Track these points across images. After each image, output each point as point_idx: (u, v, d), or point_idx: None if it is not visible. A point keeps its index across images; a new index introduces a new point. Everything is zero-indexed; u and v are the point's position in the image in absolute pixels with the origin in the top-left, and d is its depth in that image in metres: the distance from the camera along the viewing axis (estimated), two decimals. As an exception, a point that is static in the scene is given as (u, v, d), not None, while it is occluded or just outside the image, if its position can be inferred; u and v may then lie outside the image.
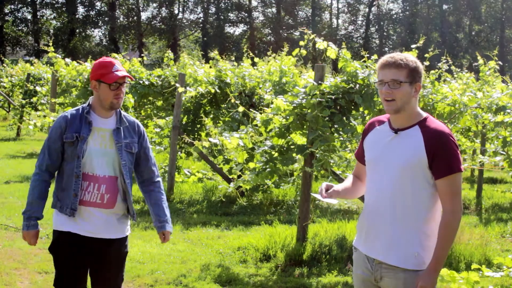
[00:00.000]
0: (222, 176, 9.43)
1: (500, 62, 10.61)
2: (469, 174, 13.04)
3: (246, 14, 48.23)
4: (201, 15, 49.00)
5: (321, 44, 6.41)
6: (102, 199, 3.56)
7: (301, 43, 6.78)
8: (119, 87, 3.60)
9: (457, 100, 7.35)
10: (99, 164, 3.57)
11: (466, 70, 11.62)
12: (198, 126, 9.88)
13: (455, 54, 42.43)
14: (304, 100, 6.26)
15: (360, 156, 3.28)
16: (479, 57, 10.91)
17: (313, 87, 6.26)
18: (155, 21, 47.95)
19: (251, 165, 7.00)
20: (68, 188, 3.55)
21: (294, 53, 7.20)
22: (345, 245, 6.50)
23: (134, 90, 10.60)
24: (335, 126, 6.39)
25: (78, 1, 44.81)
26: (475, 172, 12.37)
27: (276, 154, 6.72)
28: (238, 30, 51.45)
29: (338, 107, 6.36)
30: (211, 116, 10.00)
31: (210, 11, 48.36)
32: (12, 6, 43.60)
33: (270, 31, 48.78)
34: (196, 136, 9.90)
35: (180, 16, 48.52)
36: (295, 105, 6.32)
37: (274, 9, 48.86)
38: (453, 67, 9.48)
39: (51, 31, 45.09)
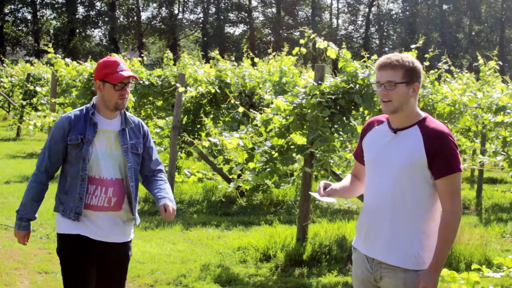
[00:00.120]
0: (222, 176, 9.43)
1: (500, 62, 10.61)
2: (469, 174, 13.04)
3: (246, 14, 48.23)
4: (201, 15, 49.02)
5: (321, 43, 6.41)
6: (109, 203, 3.48)
7: (301, 41, 6.78)
8: (124, 87, 3.52)
9: (457, 100, 7.35)
10: (106, 167, 3.48)
11: (466, 71, 11.61)
12: (198, 126, 9.87)
13: (455, 54, 42.42)
14: (304, 100, 6.26)
15: (359, 155, 3.28)
16: (479, 57, 10.91)
17: (313, 87, 6.26)
18: (155, 21, 47.96)
19: (251, 165, 7.00)
20: (72, 191, 3.46)
21: (294, 52, 7.19)
22: (345, 245, 6.50)
23: (134, 90, 10.60)
24: (335, 126, 6.39)
25: (78, 1, 44.80)
26: (475, 172, 12.37)
27: (276, 154, 6.72)
28: (238, 30, 51.51)
29: (338, 107, 6.36)
30: (211, 116, 10.00)
31: (210, 11, 48.37)
32: (12, 6, 43.59)
33: (270, 31, 48.78)
34: (196, 136, 9.90)
35: (180, 16, 48.55)
36: (295, 105, 6.32)
37: (274, 9, 48.87)
38: (452, 68, 9.48)
39: (51, 31, 45.08)
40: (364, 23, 49.84)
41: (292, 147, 6.70)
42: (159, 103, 11.22)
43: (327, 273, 6.05)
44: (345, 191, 3.32)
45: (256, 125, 7.08)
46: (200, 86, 9.67)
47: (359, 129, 6.52)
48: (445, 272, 3.18)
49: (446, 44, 40.34)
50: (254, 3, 48.77)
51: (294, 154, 6.61)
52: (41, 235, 6.99)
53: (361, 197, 6.29)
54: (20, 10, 44.17)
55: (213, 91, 9.49)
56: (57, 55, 12.05)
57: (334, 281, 5.84)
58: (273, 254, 6.43)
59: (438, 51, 7.65)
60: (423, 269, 2.95)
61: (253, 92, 9.67)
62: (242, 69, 10.15)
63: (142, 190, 8.40)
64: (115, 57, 3.67)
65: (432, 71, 7.67)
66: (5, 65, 22.70)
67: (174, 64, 12.16)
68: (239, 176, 8.06)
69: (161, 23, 47.59)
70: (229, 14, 48.14)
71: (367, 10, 49.59)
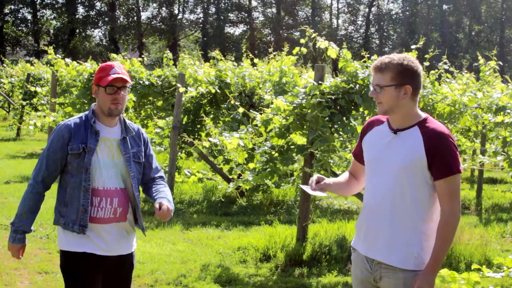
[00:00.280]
0: (222, 176, 9.43)
1: (500, 62, 10.61)
2: (469, 174, 13.04)
3: (246, 14, 48.24)
4: (201, 15, 49.03)
5: (322, 43, 6.41)
6: (115, 213, 3.36)
7: (302, 40, 6.77)
8: (117, 91, 3.35)
9: (457, 100, 7.35)
10: (109, 177, 3.36)
11: (466, 71, 11.61)
12: (198, 126, 9.87)
13: (455, 54, 42.44)
14: (304, 100, 6.26)
15: (358, 155, 3.28)
16: (479, 57, 10.92)
17: (313, 87, 6.26)
18: (155, 21, 47.96)
19: (251, 165, 7.00)
20: (73, 203, 3.31)
21: (294, 51, 7.19)
22: (345, 245, 6.50)
23: (134, 90, 10.61)
24: (335, 126, 6.39)
25: (78, 1, 44.80)
26: (475, 172, 12.37)
27: (276, 154, 6.72)
28: (238, 30, 51.51)
29: (338, 107, 6.36)
30: (211, 116, 10.00)
31: (210, 11, 48.37)
32: (12, 7, 43.59)
33: (270, 31, 48.79)
34: (196, 136, 9.90)
35: (180, 16, 48.55)
36: (295, 105, 6.32)
37: (274, 9, 48.88)
38: (452, 68, 9.48)
39: (51, 31, 45.10)
40: (364, 23, 49.85)
41: (292, 147, 6.70)
42: (159, 103, 11.22)
43: (327, 273, 6.05)
44: (340, 187, 3.32)
45: (256, 125, 7.08)
46: (200, 86, 9.67)
47: (359, 129, 6.52)
48: (445, 272, 3.18)
49: (446, 44, 40.32)
50: (254, 3, 48.79)
51: (294, 154, 6.62)
52: (41, 235, 6.99)
53: (360, 197, 6.29)
54: (20, 10, 44.18)
55: (213, 91, 9.49)
56: (57, 55, 12.05)
57: (334, 281, 5.84)
58: (273, 254, 6.43)
59: (438, 51, 7.65)
60: (423, 269, 2.96)
61: (253, 92, 9.67)
62: (242, 69, 10.15)
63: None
64: (114, 61, 3.52)
65: (432, 71, 7.68)
66: (5, 65, 22.70)
67: (174, 64, 12.16)
68: (239, 176, 8.06)
69: (161, 23, 47.60)
70: (229, 14, 48.14)
71: (367, 10, 49.61)
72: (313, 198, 6.61)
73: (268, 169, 6.66)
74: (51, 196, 3.72)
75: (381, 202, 3.02)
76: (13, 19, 43.61)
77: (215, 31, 46.72)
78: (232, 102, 7.72)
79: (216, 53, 10.50)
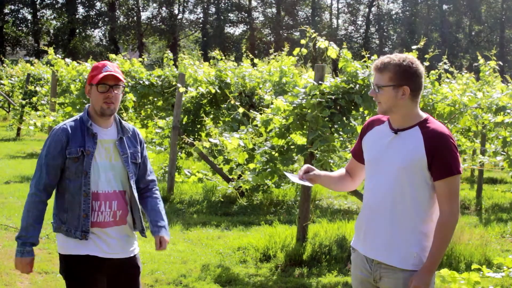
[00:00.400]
0: (222, 176, 9.43)
1: (500, 62, 10.61)
2: (469, 174, 13.04)
3: (246, 14, 48.24)
4: (201, 15, 49.04)
5: (322, 43, 6.41)
6: (115, 217, 3.30)
7: (302, 41, 6.77)
8: (110, 89, 3.26)
9: (457, 100, 7.35)
10: (108, 180, 3.28)
11: (466, 71, 11.61)
12: (198, 126, 9.88)
13: (455, 54, 42.46)
14: (304, 100, 6.26)
15: (356, 153, 3.28)
16: (479, 57, 10.92)
17: (313, 87, 6.26)
18: (155, 21, 47.98)
19: (251, 165, 7.00)
20: (74, 209, 3.23)
21: (295, 52, 7.19)
22: (345, 245, 6.50)
23: (134, 90, 10.61)
24: (335, 126, 6.39)
25: (78, 1, 44.82)
26: (475, 172, 12.37)
27: (276, 154, 6.72)
28: (238, 30, 51.52)
29: (338, 107, 6.36)
30: (211, 116, 10.01)
31: (210, 11, 48.38)
32: (12, 6, 43.61)
33: (270, 31, 48.80)
34: (196, 136, 9.90)
35: (180, 16, 48.56)
36: (295, 105, 6.33)
37: (274, 9, 48.89)
38: (451, 68, 9.48)
39: (51, 31, 45.12)
40: (364, 23, 49.86)
41: (292, 147, 6.70)
42: (159, 103, 11.23)
43: (327, 273, 6.05)
44: (331, 181, 3.32)
45: (256, 125, 7.08)
46: (200, 86, 9.68)
47: (359, 129, 6.52)
48: (445, 272, 3.18)
49: (446, 44, 40.34)
50: (254, 3, 48.79)
51: (294, 154, 6.62)
52: (41, 235, 6.98)
53: (360, 197, 6.29)
54: (20, 10, 44.20)
55: (213, 91, 9.50)
56: (57, 55, 12.05)
57: (334, 281, 5.84)
58: (273, 254, 6.43)
59: (438, 51, 7.65)
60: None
61: (253, 92, 9.67)
62: (242, 69, 10.15)
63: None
64: (108, 61, 3.46)
65: (432, 71, 7.68)
66: (5, 65, 22.70)
67: (174, 65, 12.16)
68: (239, 176, 8.06)
69: (161, 23, 47.61)
70: (229, 14, 48.15)
71: (367, 10, 49.62)
72: (313, 198, 6.61)
73: (269, 169, 6.66)
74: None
75: (381, 202, 3.02)
76: (13, 19, 43.63)
77: (215, 31, 46.73)
78: (232, 102, 7.72)
79: (216, 53, 10.51)
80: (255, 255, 6.47)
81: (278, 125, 6.56)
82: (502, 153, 8.33)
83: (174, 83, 10.42)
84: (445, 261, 6.30)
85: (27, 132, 17.10)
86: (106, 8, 45.88)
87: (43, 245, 6.62)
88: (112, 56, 11.93)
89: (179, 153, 10.02)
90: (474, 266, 3.43)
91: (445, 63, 7.97)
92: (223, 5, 48.00)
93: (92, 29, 46.42)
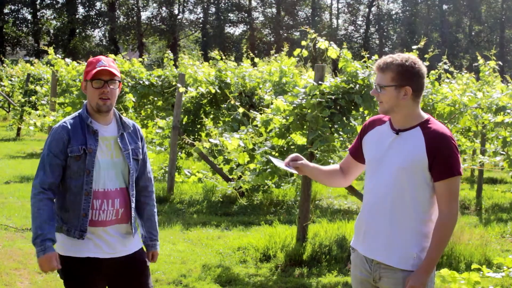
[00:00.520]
0: (222, 176, 9.43)
1: (500, 62, 10.62)
2: (469, 174, 13.04)
3: (246, 14, 48.25)
4: (201, 15, 49.05)
5: (322, 43, 6.41)
6: (117, 215, 3.23)
7: (303, 43, 6.77)
8: (105, 85, 3.18)
9: (457, 100, 7.35)
10: (109, 177, 3.22)
11: (466, 71, 11.62)
12: (198, 126, 9.88)
13: (455, 54, 42.46)
14: (304, 100, 6.26)
15: (354, 151, 3.27)
16: (479, 57, 10.92)
17: (313, 87, 6.26)
18: (155, 21, 47.99)
19: (251, 165, 7.00)
20: (75, 208, 3.17)
21: (296, 53, 7.18)
22: (345, 245, 6.50)
23: (134, 90, 10.61)
24: (335, 126, 6.39)
25: (78, 1, 44.83)
26: (475, 172, 12.37)
27: (276, 155, 6.72)
28: (238, 30, 51.55)
29: (338, 107, 6.36)
30: (211, 116, 10.01)
31: (210, 11, 48.39)
32: (12, 7, 43.63)
33: (270, 31, 48.81)
34: (196, 136, 9.91)
35: (180, 16, 48.58)
36: (295, 105, 6.33)
37: (274, 9, 48.89)
38: (451, 68, 9.49)
39: (51, 31, 45.13)
40: (364, 23, 49.86)
41: (292, 147, 6.70)
42: (159, 103, 11.23)
43: (327, 273, 6.05)
44: (320, 174, 3.33)
45: (256, 125, 7.08)
46: (200, 86, 9.68)
47: (359, 129, 6.52)
48: (445, 272, 3.18)
49: (446, 44, 40.35)
50: (254, 3, 48.80)
51: (294, 154, 6.60)
52: (41, 235, 6.98)
53: (360, 197, 6.30)
54: (20, 10, 44.21)
55: (213, 91, 9.50)
56: (57, 55, 12.06)
57: (334, 281, 5.84)
58: (273, 254, 6.43)
59: (438, 51, 7.65)
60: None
61: (253, 92, 9.67)
62: (242, 69, 10.15)
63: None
64: (103, 56, 3.35)
65: (432, 71, 7.68)
66: (5, 65, 22.70)
67: (174, 65, 12.16)
68: (239, 177, 8.06)
69: (161, 23, 47.62)
70: (229, 14, 48.17)
71: (367, 10, 49.62)
72: (313, 198, 6.61)
73: (269, 170, 6.66)
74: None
75: (381, 202, 3.02)
76: (13, 19, 43.64)
77: (215, 31, 46.74)
78: (232, 102, 7.72)
79: (215, 53, 10.51)
80: (255, 255, 6.47)
81: (278, 125, 6.56)
82: (502, 153, 8.34)
83: (174, 83, 10.42)
84: (445, 261, 6.31)
85: (27, 132, 17.10)
86: (106, 8, 45.89)
87: (43, 245, 6.62)
88: (112, 56, 11.93)
89: (179, 153, 10.02)
90: (474, 266, 3.43)
91: (445, 63, 7.97)
92: (223, 5, 48.01)
93: (92, 29, 46.46)
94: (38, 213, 3.11)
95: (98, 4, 45.76)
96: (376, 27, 49.74)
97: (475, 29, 48.35)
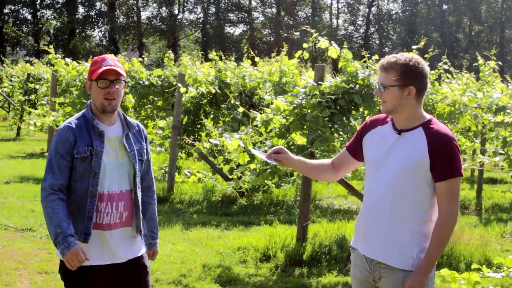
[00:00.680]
0: (222, 176, 9.43)
1: (499, 62, 10.62)
2: (469, 174, 13.04)
3: (246, 14, 48.25)
4: (201, 15, 49.06)
5: (323, 43, 6.41)
6: (121, 218, 3.17)
7: (305, 45, 6.75)
8: (110, 84, 3.12)
9: (457, 100, 7.35)
10: (115, 179, 3.15)
11: (466, 71, 11.62)
12: (198, 126, 9.88)
13: (455, 54, 42.45)
14: (304, 100, 6.27)
15: (352, 147, 3.25)
16: (479, 57, 10.93)
17: (313, 87, 6.26)
18: (155, 21, 47.99)
19: (252, 165, 7.00)
20: (81, 211, 3.09)
21: (297, 55, 7.17)
22: (345, 245, 6.50)
23: (134, 90, 10.61)
24: (335, 126, 6.40)
25: (78, 1, 44.84)
26: (475, 172, 12.37)
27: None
28: (238, 30, 51.53)
29: (338, 107, 6.36)
30: (211, 116, 10.01)
31: (210, 11, 48.39)
32: (12, 7, 43.63)
33: (270, 31, 48.81)
34: (196, 136, 9.91)
35: (180, 16, 48.59)
36: (295, 105, 6.33)
37: (274, 9, 48.89)
38: (451, 68, 9.49)
39: (51, 31, 45.13)
40: (364, 23, 49.86)
41: (292, 147, 6.70)
42: (159, 103, 11.23)
43: (327, 273, 6.05)
44: (305, 167, 3.34)
45: (256, 125, 7.08)
46: (200, 86, 9.68)
47: (359, 129, 6.52)
48: (445, 272, 3.18)
49: (446, 44, 40.33)
50: (254, 3, 48.80)
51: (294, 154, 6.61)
52: (41, 235, 6.99)
53: (360, 197, 6.30)
54: (20, 10, 44.22)
55: (213, 91, 9.50)
56: (57, 55, 12.06)
57: (334, 281, 5.84)
58: (273, 254, 6.43)
59: (438, 51, 7.65)
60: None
61: (253, 92, 9.67)
62: (242, 69, 10.15)
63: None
64: (108, 54, 3.31)
65: (432, 71, 7.67)
66: (5, 65, 22.70)
67: (175, 65, 12.17)
68: (239, 177, 8.06)
69: (161, 23, 47.63)
70: (229, 14, 48.17)
71: (367, 10, 49.62)
72: (313, 198, 6.61)
73: (269, 170, 6.66)
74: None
75: (381, 202, 3.02)
76: (13, 19, 43.64)
77: (215, 31, 46.74)
78: (232, 102, 7.72)
79: (213, 54, 10.51)
80: (255, 255, 6.47)
81: (278, 125, 6.56)
82: (502, 153, 8.34)
83: (174, 83, 10.42)
84: (445, 261, 6.31)
85: (27, 132, 17.10)
86: (106, 8, 45.89)
87: (43, 245, 6.62)
88: (112, 56, 11.94)
89: (179, 153, 10.02)
90: (474, 266, 3.43)
91: (445, 63, 7.97)
92: (223, 5, 48.01)
93: (92, 29, 46.47)
94: (53, 213, 3.03)
95: (98, 4, 45.78)
96: (376, 27, 49.74)
97: (475, 29, 48.35)
